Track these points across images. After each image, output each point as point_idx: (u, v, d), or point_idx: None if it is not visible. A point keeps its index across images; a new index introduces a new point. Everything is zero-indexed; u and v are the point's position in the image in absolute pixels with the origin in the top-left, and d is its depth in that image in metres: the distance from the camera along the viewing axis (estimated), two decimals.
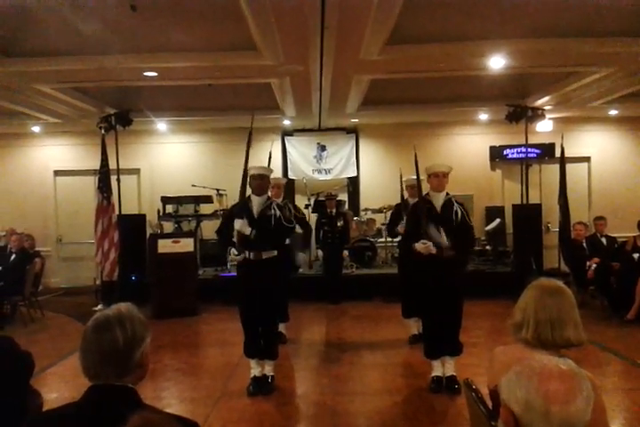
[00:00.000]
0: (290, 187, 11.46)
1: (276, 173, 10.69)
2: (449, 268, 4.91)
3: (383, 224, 10.43)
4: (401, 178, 7.26)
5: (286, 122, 10.98)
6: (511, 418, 1.36)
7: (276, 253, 5.10)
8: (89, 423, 1.62)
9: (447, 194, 5.06)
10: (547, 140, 10.91)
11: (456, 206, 4.97)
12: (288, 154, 11.49)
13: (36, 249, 9.71)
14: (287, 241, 6.08)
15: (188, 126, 11.28)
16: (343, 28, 5.51)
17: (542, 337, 2.14)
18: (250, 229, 4.90)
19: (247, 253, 5.04)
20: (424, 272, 5.01)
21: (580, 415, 1.29)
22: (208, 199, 10.05)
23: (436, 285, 4.88)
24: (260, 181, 5.08)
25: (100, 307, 8.23)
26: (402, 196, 7.03)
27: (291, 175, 11.42)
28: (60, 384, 5.37)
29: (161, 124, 10.85)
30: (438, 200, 5.01)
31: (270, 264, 5.05)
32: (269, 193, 5.47)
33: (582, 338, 2.17)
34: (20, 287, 8.00)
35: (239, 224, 4.91)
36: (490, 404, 2.18)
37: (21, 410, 2.57)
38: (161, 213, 9.91)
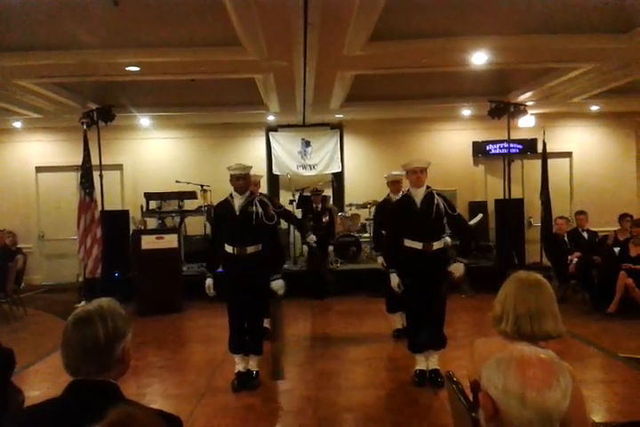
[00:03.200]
0: (274, 182, 11.50)
1: (261, 168, 10.75)
2: (433, 262, 4.95)
3: (367, 219, 10.48)
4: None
5: (270, 117, 10.96)
6: (490, 403, 1.38)
7: (261, 247, 5.11)
8: (70, 419, 1.62)
9: (428, 188, 5.08)
10: (529, 136, 11.00)
11: (437, 199, 4.98)
12: (272, 150, 11.46)
13: (18, 246, 9.63)
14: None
15: (172, 122, 11.22)
16: (326, 25, 5.50)
17: (521, 330, 2.16)
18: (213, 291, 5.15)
19: (232, 248, 5.07)
20: (409, 267, 5.04)
21: (557, 404, 1.31)
22: (192, 195, 10.01)
23: (421, 279, 4.92)
24: (242, 181, 5.09)
25: (82, 304, 8.16)
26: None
27: (275, 171, 11.42)
28: (41, 382, 5.34)
29: (144, 120, 10.77)
30: (418, 196, 5.03)
31: (256, 259, 5.06)
32: None
33: (561, 330, 2.20)
34: (2, 284, 7.94)
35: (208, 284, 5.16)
36: (471, 396, 2.21)
37: (2, 406, 2.56)
38: (144, 209, 9.86)
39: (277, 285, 5.08)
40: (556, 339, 2.20)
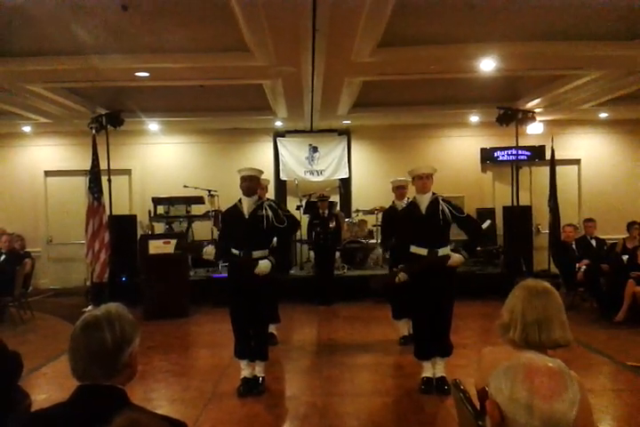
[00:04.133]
0: (281, 188, 11.51)
1: (269, 174, 10.76)
2: (439, 269, 4.94)
3: (374, 226, 10.48)
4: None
5: (278, 123, 10.99)
6: (497, 411, 1.37)
7: (267, 252, 5.12)
8: (76, 424, 1.62)
9: (433, 194, 5.08)
10: (537, 143, 10.96)
11: (442, 205, 4.98)
12: (280, 155, 11.48)
13: (26, 250, 9.66)
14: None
15: (180, 127, 11.26)
16: (334, 31, 5.53)
17: (529, 338, 2.15)
18: (213, 250, 5.02)
19: (238, 252, 5.07)
20: (416, 273, 5.02)
21: (564, 413, 1.31)
22: (199, 200, 10.03)
23: (427, 285, 4.90)
24: (248, 182, 5.12)
25: (90, 308, 8.20)
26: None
27: (282, 176, 11.43)
28: (49, 385, 5.35)
29: (152, 125, 10.82)
30: (424, 202, 5.04)
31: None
32: None
33: (569, 338, 2.18)
34: (10, 288, 7.96)
35: (208, 252, 5.03)
36: (478, 404, 2.19)
37: (8, 410, 2.57)
38: (152, 214, 9.89)
39: (263, 264, 5.00)
40: (564, 347, 2.19)
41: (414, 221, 5.02)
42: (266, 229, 5.04)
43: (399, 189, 6.56)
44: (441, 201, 5.01)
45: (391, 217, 6.35)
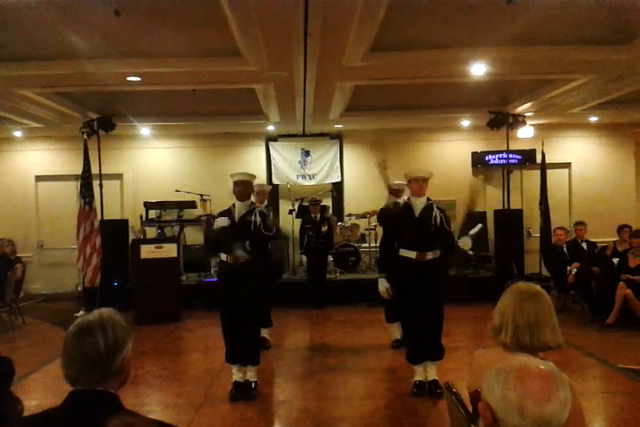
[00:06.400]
0: (274, 192, 11.50)
1: (261, 178, 10.77)
2: (430, 271, 4.96)
3: (367, 229, 10.50)
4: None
5: (270, 127, 10.99)
6: (489, 414, 1.38)
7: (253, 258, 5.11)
8: None
9: (428, 199, 5.11)
10: (528, 147, 11.00)
11: (435, 212, 5.01)
12: (272, 159, 11.49)
13: (17, 255, 9.62)
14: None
15: (172, 131, 11.25)
16: (326, 36, 5.54)
17: (520, 341, 2.17)
18: (229, 221, 4.98)
19: (225, 256, 5.08)
20: (406, 275, 5.04)
21: (555, 415, 1.32)
22: (191, 205, 10.03)
23: (416, 289, 4.92)
24: (241, 187, 5.13)
25: (81, 313, 8.17)
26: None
27: (275, 181, 11.43)
28: (41, 391, 5.33)
29: (144, 130, 10.80)
30: (418, 205, 5.07)
31: (249, 268, 5.05)
32: (253, 199, 5.53)
33: (560, 341, 2.20)
34: (1, 294, 7.92)
35: (220, 221, 4.99)
36: (470, 407, 2.20)
37: (1, 416, 2.56)
38: (144, 219, 9.86)
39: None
40: (555, 350, 2.20)
41: (407, 223, 5.04)
42: (252, 235, 5.04)
43: (398, 193, 6.57)
44: (435, 208, 5.04)
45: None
